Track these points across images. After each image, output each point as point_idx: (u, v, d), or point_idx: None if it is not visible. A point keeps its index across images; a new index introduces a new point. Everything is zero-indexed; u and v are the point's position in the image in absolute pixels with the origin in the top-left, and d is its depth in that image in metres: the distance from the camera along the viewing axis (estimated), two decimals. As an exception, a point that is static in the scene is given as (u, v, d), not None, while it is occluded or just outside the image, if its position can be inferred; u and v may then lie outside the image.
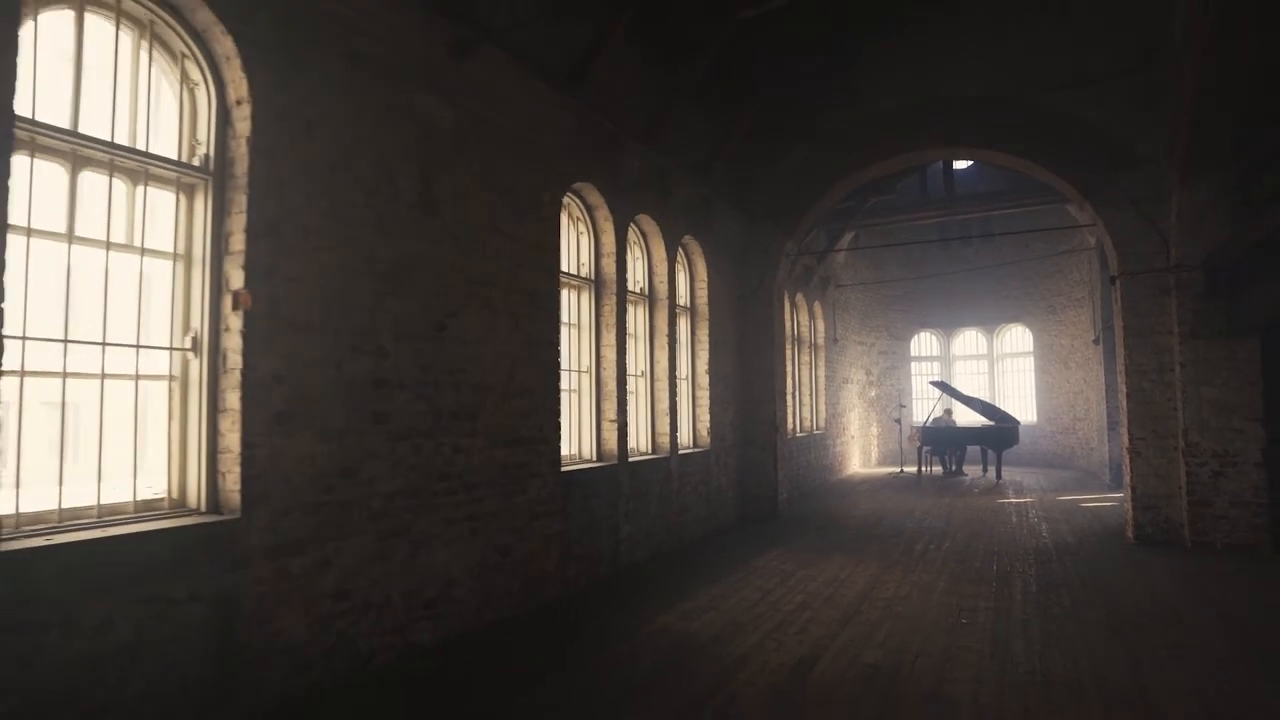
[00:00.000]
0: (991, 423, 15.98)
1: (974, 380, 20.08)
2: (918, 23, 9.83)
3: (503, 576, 5.85)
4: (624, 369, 7.80)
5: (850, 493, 13.82)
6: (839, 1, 8.73)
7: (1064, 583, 6.88)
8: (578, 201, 7.48)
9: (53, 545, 3.24)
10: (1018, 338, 19.81)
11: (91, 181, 3.71)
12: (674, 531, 8.63)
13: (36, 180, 3.45)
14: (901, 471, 17.22)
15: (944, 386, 16.86)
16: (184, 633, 3.66)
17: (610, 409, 7.60)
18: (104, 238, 3.74)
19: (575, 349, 7.47)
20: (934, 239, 17.62)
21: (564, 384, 6.89)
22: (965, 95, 9.57)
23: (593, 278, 7.66)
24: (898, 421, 18.48)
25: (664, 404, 8.77)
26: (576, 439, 7.42)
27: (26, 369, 3.41)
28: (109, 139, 3.73)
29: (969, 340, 20.57)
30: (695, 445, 9.65)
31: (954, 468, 16.87)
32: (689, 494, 9.08)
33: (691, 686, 4.45)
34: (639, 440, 8.50)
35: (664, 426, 8.76)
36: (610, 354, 7.65)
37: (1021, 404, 19.28)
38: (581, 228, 7.64)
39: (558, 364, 6.65)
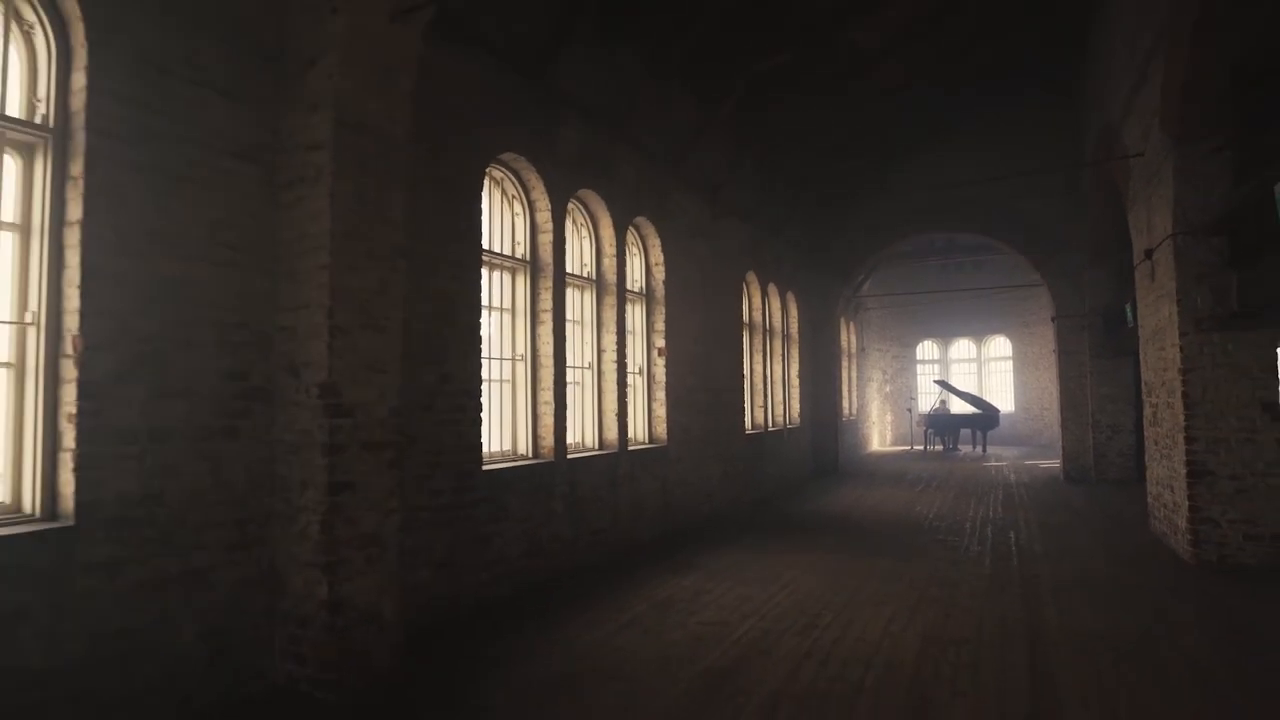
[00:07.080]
0: (979, 411, 21.50)
1: (966, 379, 25.69)
2: (938, 136, 15.23)
3: (729, 486, 11.30)
4: (766, 375, 13.25)
5: (878, 461, 19.38)
6: (886, 142, 14.19)
7: (1018, 496, 12.44)
8: (742, 278, 12.91)
9: (636, 450, 8.69)
10: (1000, 346, 25.43)
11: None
12: (785, 476, 14.10)
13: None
14: (911, 448, 22.80)
15: (945, 385, 22.39)
16: (652, 491, 9.09)
17: (760, 400, 13.08)
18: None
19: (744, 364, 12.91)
20: (938, 289, 23.13)
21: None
22: (960, 196, 14.99)
23: (748, 322, 13.11)
24: (909, 410, 24.06)
25: (779, 396, 14.26)
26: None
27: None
28: (638, 289, 9.20)
29: (962, 347, 26.15)
30: (792, 424, 15.13)
31: (951, 445, 22.39)
32: (792, 453, 14.56)
33: (850, 523, 9.95)
34: (769, 419, 13.96)
35: (780, 411, 14.26)
36: (760, 367, 13.12)
37: (1003, 397, 24.89)
38: (742, 292, 13.05)
39: (742, 374, 12.10)
